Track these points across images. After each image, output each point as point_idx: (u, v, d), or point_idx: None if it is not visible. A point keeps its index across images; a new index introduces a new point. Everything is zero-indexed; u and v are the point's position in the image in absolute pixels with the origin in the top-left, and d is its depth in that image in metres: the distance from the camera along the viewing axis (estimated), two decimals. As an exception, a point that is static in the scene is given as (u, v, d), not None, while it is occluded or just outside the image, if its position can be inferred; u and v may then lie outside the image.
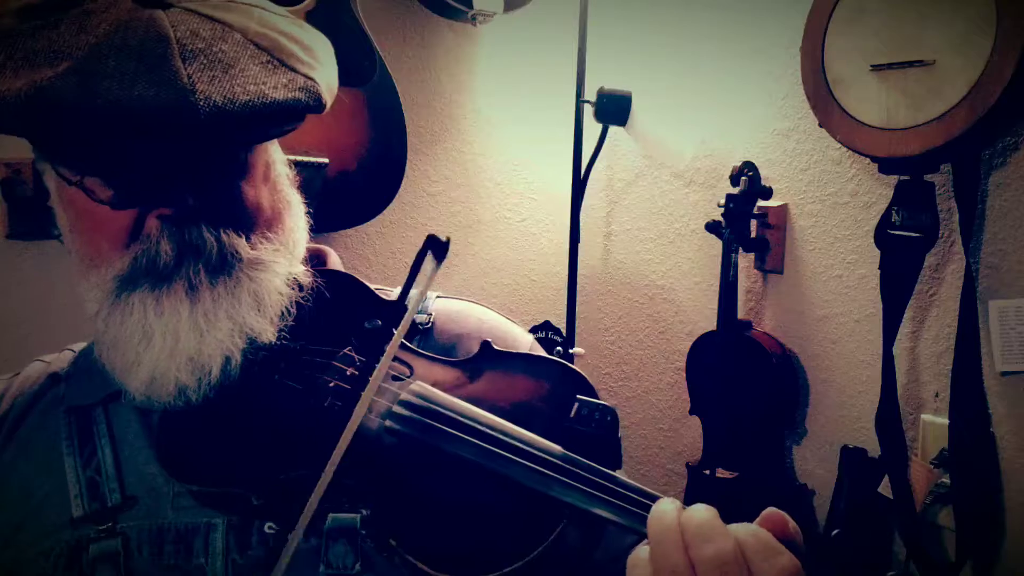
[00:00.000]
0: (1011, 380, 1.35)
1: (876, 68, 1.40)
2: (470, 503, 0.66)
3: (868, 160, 1.52)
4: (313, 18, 1.58)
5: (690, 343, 1.84)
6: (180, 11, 0.71)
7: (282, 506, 0.69)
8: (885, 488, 1.51)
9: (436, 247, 0.69)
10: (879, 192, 1.56)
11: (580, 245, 1.99)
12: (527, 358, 0.78)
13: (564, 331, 1.98)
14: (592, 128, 1.94)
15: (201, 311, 0.71)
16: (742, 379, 1.72)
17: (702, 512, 0.54)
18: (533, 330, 1.98)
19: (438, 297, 0.92)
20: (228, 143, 0.73)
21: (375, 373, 0.68)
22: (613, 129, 1.95)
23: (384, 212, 1.84)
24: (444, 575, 0.62)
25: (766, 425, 1.75)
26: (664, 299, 2.05)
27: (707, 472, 1.74)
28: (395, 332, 0.69)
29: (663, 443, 2.11)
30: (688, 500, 1.86)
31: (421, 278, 0.71)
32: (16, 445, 0.82)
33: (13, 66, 0.67)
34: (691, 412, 1.86)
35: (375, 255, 2.00)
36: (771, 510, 0.56)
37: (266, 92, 0.69)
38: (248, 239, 0.74)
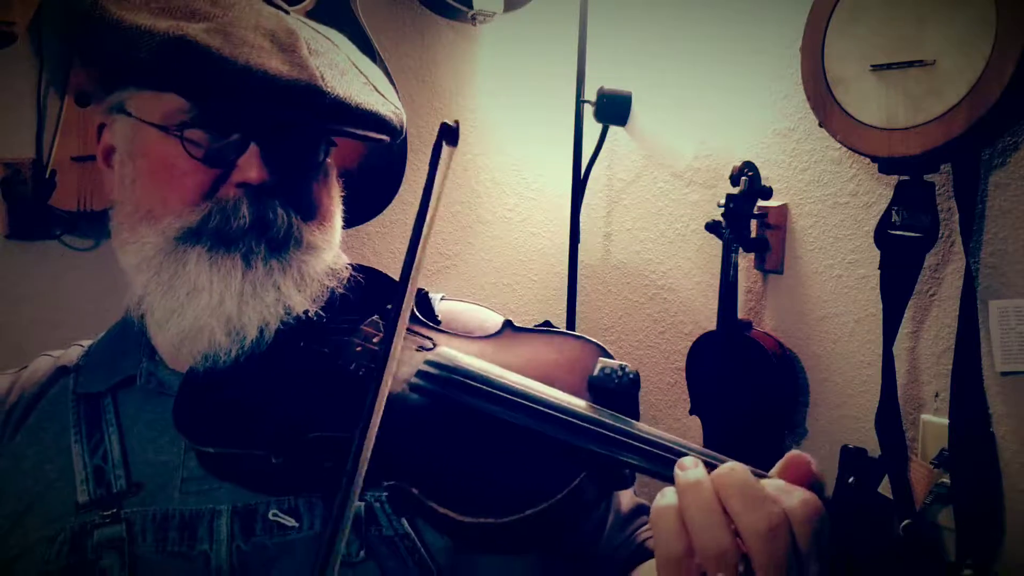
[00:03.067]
0: (1011, 380, 1.35)
1: (876, 68, 1.40)
2: (494, 453, 0.66)
3: (868, 160, 1.52)
4: (313, 17, 1.58)
5: (690, 343, 1.84)
6: (295, 18, 0.82)
7: (302, 466, 0.70)
8: (885, 488, 1.51)
9: (448, 134, 0.74)
10: (879, 192, 1.56)
11: (580, 245, 1.99)
12: (548, 332, 0.80)
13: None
14: (592, 128, 1.94)
15: (250, 280, 0.75)
16: (742, 379, 1.72)
17: (737, 474, 0.53)
18: (533, 330, 1.98)
19: (442, 299, 0.93)
20: (318, 135, 0.82)
21: (403, 307, 0.69)
22: (613, 129, 1.95)
23: (384, 212, 1.84)
24: (466, 517, 0.62)
25: (766, 425, 1.75)
26: (664, 299, 2.05)
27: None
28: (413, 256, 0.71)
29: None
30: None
31: (441, 165, 0.74)
32: (25, 434, 0.83)
33: (152, 11, 0.73)
34: (691, 412, 1.86)
35: (375, 255, 2.00)
36: (794, 453, 0.56)
37: (373, 103, 0.80)
38: (307, 226, 0.80)
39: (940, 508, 1.44)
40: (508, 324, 0.81)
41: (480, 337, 0.80)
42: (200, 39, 0.71)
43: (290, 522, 0.75)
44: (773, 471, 0.56)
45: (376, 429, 0.62)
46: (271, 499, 0.76)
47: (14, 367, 0.91)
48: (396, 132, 0.85)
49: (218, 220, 0.75)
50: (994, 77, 1.25)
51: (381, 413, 0.63)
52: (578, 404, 0.66)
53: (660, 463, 0.60)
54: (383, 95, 0.84)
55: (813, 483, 0.54)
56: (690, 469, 0.54)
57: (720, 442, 1.79)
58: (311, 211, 0.81)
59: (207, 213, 0.75)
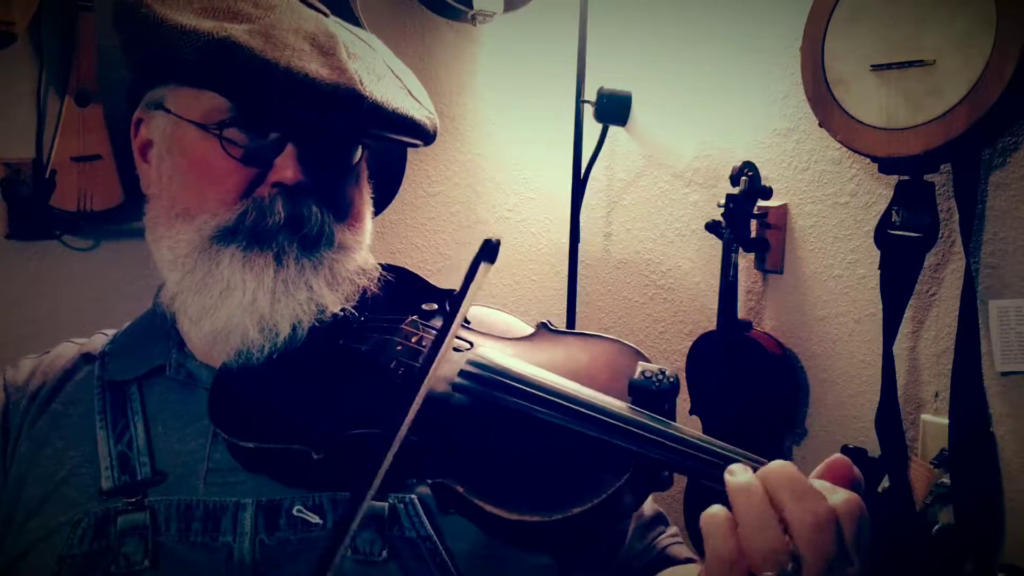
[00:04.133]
0: (1011, 380, 1.35)
1: (876, 68, 1.40)
2: (538, 453, 0.67)
3: (868, 160, 1.52)
4: (313, 18, 1.58)
5: (690, 343, 1.84)
6: (334, 21, 0.83)
7: (342, 462, 0.70)
8: (884, 488, 1.51)
9: (489, 252, 0.73)
10: (879, 192, 1.56)
11: (580, 245, 1.99)
12: (584, 335, 0.81)
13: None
14: (592, 128, 1.94)
15: (282, 279, 0.77)
16: (742, 379, 1.72)
17: (786, 470, 0.55)
18: (533, 330, 1.98)
19: None
20: (353, 138, 0.83)
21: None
22: (613, 129, 1.95)
23: (384, 212, 1.84)
24: (512, 515, 0.62)
25: (766, 425, 1.75)
26: (664, 299, 2.05)
27: (707, 472, 1.73)
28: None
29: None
30: (688, 499, 1.84)
31: (477, 278, 0.73)
32: (48, 419, 0.84)
33: (195, 11, 0.75)
34: (691, 412, 1.86)
35: (375, 255, 2.00)
36: (837, 457, 0.58)
37: (408, 108, 0.82)
38: (339, 226, 0.82)
39: (940, 508, 1.44)
40: (543, 326, 0.82)
41: (516, 338, 0.81)
42: (243, 41, 0.72)
43: (314, 519, 0.75)
44: (815, 474, 0.58)
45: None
46: (296, 495, 0.76)
47: (34, 353, 0.91)
48: (429, 136, 0.86)
49: (254, 217, 0.76)
50: (994, 77, 1.25)
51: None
52: (620, 406, 0.66)
53: (701, 465, 0.61)
54: (418, 100, 0.85)
55: (853, 484, 0.56)
56: (739, 473, 0.56)
57: (720, 442, 1.78)
58: (344, 212, 0.83)
59: (243, 211, 0.76)
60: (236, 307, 0.76)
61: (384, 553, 0.74)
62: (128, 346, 0.89)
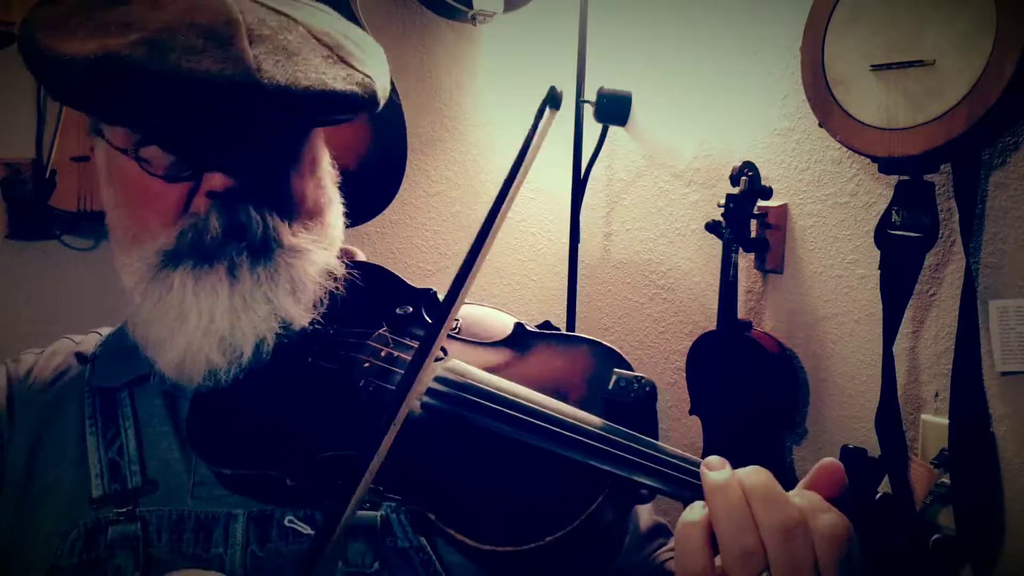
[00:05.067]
0: (1011, 380, 1.35)
1: (876, 68, 1.40)
2: (510, 476, 0.64)
3: (868, 160, 1.52)
4: (313, 18, 1.57)
5: (690, 343, 1.84)
6: (249, 0, 0.75)
7: (317, 487, 0.69)
8: (885, 488, 1.51)
9: (553, 99, 0.66)
10: (879, 192, 1.56)
11: (580, 245, 1.99)
12: (560, 336, 0.78)
13: (564, 331, 1.98)
14: (592, 128, 1.94)
15: (239, 293, 0.73)
16: (742, 379, 1.72)
17: (762, 476, 0.53)
18: (533, 330, 1.98)
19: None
20: (284, 127, 0.77)
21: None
22: (613, 129, 1.95)
23: (384, 212, 1.84)
24: (485, 545, 0.60)
25: (766, 425, 1.75)
26: (664, 299, 2.05)
27: (707, 472, 1.73)
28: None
29: (663, 443, 2.10)
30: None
31: (543, 130, 0.66)
32: (43, 417, 0.82)
33: (84, 34, 0.69)
34: (691, 412, 1.86)
35: (375, 255, 2.00)
36: (829, 461, 0.55)
37: (327, 81, 0.72)
38: (290, 226, 0.76)
39: (940, 508, 1.44)
40: (519, 328, 0.78)
41: (491, 344, 0.78)
42: (124, 53, 0.67)
43: (306, 529, 0.74)
44: (805, 480, 0.56)
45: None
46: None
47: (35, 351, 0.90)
48: (363, 104, 0.76)
49: (191, 236, 0.72)
50: (994, 77, 1.25)
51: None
52: (593, 423, 0.63)
53: (679, 485, 0.59)
54: (351, 64, 0.76)
55: (844, 491, 0.54)
56: (718, 469, 0.54)
57: (720, 442, 1.79)
58: (290, 209, 0.77)
59: (182, 231, 0.73)
60: (194, 331, 0.72)
61: (375, 565, 0.72)
62: (115, 352, 0.86)
